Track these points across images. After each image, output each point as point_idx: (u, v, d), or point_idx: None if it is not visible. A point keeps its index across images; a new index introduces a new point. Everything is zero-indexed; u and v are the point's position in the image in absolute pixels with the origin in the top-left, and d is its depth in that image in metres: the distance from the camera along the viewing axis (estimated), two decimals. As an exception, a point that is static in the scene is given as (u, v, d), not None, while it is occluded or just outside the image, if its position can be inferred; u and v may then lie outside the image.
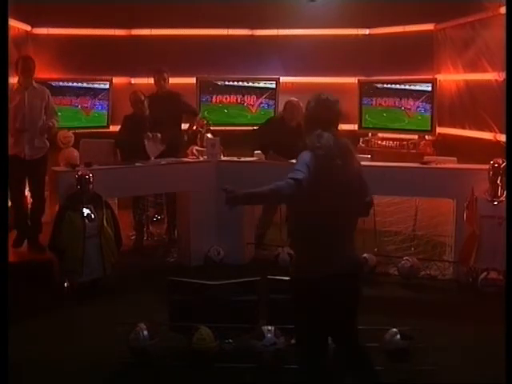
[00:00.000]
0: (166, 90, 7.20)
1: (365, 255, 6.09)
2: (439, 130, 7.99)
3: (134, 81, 8.62)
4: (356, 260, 3.43)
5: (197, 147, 6.93)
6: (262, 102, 8.70)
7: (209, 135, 7.16)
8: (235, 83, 8.67)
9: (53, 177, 6.14)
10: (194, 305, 4.43)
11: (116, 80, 8.47)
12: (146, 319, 4.41)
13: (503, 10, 6.38)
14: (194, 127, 7.33)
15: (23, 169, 6.06)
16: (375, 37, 8.67)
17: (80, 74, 8.27)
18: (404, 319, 4.64)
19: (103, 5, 7.89)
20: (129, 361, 4.27)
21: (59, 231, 5.60)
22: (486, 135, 7.12)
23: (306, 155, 3.17)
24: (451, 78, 7.96)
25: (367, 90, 8.49)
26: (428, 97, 7.95)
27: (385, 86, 8.36)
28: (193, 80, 8.47)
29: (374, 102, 8.44)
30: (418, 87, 8.05)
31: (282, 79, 8.62)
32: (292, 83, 8.57)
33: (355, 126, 8.51)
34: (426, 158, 6.94)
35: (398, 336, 4.19)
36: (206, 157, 6.64)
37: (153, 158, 6.59)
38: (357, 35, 8.72)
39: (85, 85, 8.30)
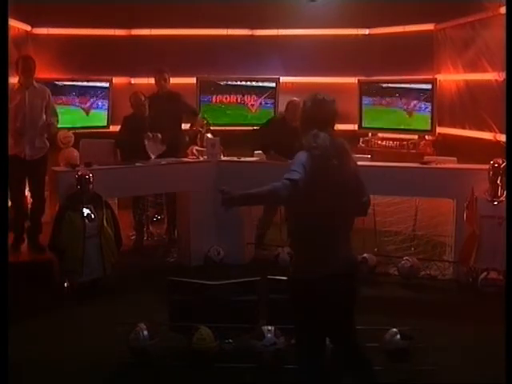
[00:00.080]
0: (167, 90, 7.20)
1: (365, 255, 6.10)
2: (439, 129, 8.00)
3: (133, 81, 8.63)
4: (353, 260, 3.43)
5: (197, 147, 6.93)
6: (262, 102, 8.70)
7: (209, 135, 7.15)
8: (235, 83, 8.68)
9: (53, 177, 6.14)
10: (194, 305, 4.43)
11: (116, 80, 8.47)
12: (145, 319, 4.41)
13: (503, 10, 6.38)
14: (194, 127, 7.33)
15: (23, 169, 6.06)
16: (375, 37, 8.67)
17: (80, 74, 8.27)
18: (404, 319, 4.64)
19: (103, 5, 7.89)
20: (129, 361, 4.27)
21: (59, 231, 5.60)
22: (486, 135, 7.12)
23: (302, 155, 3.17)
24: (451, 77, 7.96)
25: (367, 90, 8.49)
26: (428, 97, 7.95)
27: (385, 85, 8.36)
28: (193, 80, 8.47)
29: (373, 102, 8.45)
30: (417, 87, 8.06)
31: (282, 79, 8.63)
32: (292, 83, 8.58)
33: (355, 126, 8.52)
34: (426, 158, 6.94)
35: (398, 336, 4.19)
36: (205, 157, 6.65)
37: (153, 158, 6.59)
38: (357, 35, 8.72)
39: (85, 85, 8.30)
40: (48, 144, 6.30)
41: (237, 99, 8.70)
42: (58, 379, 4.12)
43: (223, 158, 6.71)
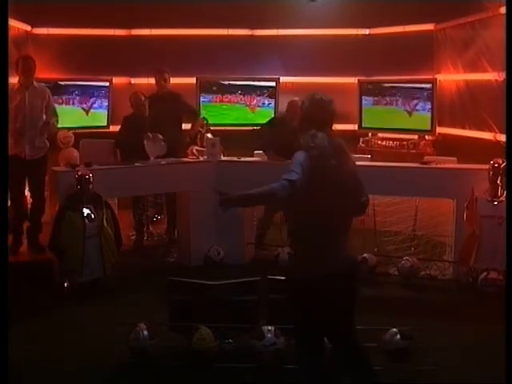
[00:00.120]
0: (167, 90, 7.19)
1: (365, 255, 6.10)
2: (439, 129, 8.00)
3: (133, 81, 8.63)
4: (351, 260, 3.43)
5: (197, 147, 6.93)
6: (262, 102, 8.70)
7: (209, 135, 7.16)
8: (235, 83, 8.67)
9: (53, 177, 6.14)
10: (194, 305, 4.43)
11: (116, 80, 8.47)
12: (146, 319, 4.41)
13: (503, 10, 6.38)
14: (195, 128, 7.32)
15: (23, 169, 6.06)
16: (375, 37, 8.67)
17: (80, 74, 8.27)
18: (404, 319, 4.64)
19: (103, 5, 7.89)
20: (129, 361, 4.27)
21: (59, 231, 5.60)
22: (486, 135, 7.12)
23: (300, 156, 3.18)
24: (451, 77, 7.96)
25: (367, 90, 8.49)
26: (428, 97, 7.95)
27: (385, 85, 8.36)
28: (193, 80, 8.47)
29: (373, 102, 8.45)
30: (417, 87, 8.06)
31: (282, 79, 8.63)
32: (292, 83, 8.57)
33: (355, 126, 8.52)
34: (426, 158, 6.94)
35: (398, 336, 4.19)
36: (206, 157, 6.65)
37: (152, 158, 6.58)
38: (357, 35, 8.72)
39: (85, 85, 8.30)
40: (48, 144, 6.30)
41: (237, 99, 8.70)
42: (58, 379, 4.12)
43: (223, 158, 6.71)
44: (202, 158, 6.68)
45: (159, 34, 8.56)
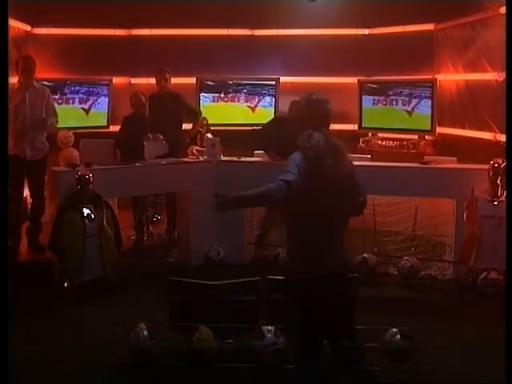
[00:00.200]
0: (168, 90, 7.19)
1: (365, 255, 6.11)
2: (439, 129, 7.99)
3: (133, 81, 8.63)
4: (348, 260, 3.42)
5: (197, 147, 6.93)
6: (262, 102, 8.70)
7: (209, 135, 7.16)
8: (235, 83, 8.67)
9: (53, 177, 6.14)
10: (194, 305, 4.43)
11: (116, 80, 8.47)
12: (146, 319, 4.41)
13: (503, 10, 6.38)
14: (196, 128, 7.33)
15: (23, 169, 6.06)
16: (375, 37, 8.66)
17: (80, 74, 8.27)
18: (404, 319, 4.64)
19: (103, 5, 7.88)
20: (129, 361, 4.27)
21: (59, 231, 5.60)
22: (486, 135, 7.12)
23: (296, 156, 3.18)
24: (451, 77, 7.96)
25: (367, 90, 8.48)
26: (428, 97, 7.95)
27: (385, 86, 8.36)
28: (193, 80, 8.47)
29: (373, 102, 8.44)
30: (417, 87, 8.05)
31: (282, 79, 8.62)
32: (292, 83, 8.57)
33: (355, 126, 8.52)
34: (426, 158, 6.94)
35: (398, 336, 4.19)
36: (206, 157, 6.65)
37: (151, 159, 6.57)
38: (357, 35, 8.72)
39: (85, 85, 8.30)
40: (48, 145, 6.31)
41: (237, 99, 8.70)
42: (58, 379, 4.12)
43: (223, 158, 6.71)
44: (202, 158, 6.68)
45: (159, 33, 8.56)
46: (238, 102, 8.71)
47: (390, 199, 6.68)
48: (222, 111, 8.63)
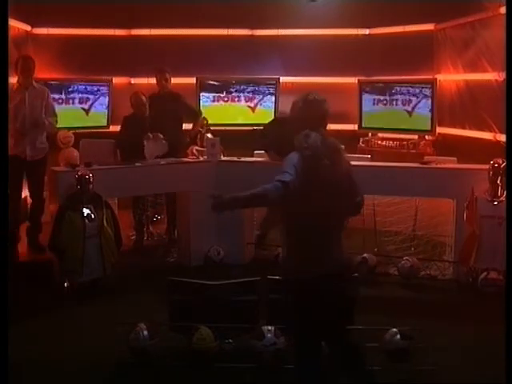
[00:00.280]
0: (168, 90, 7.20)
1: (365, 255, 6.10)
2: (439, 129, 7.99)
3: (133, 81, 8.63)
4: (346, 260, 3.42)
5: (197, 147, 6.93)
6: (262, 102, 8.70)
7: (209, 135, 7.15)
8: (235, 83, 8.67)
9: (53, 177, 6.14)
10: (194, 305, 4.43)
11: (116, 80, 8.47)
12: (146, 319, 4.41)
13: (503, 10, 6.38)
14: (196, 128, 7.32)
15: (23, 169, 6.06)
16: (375, 37, 8.67)
17: (80, 74, 8.27)
18: (404, 319, 4.63)
19: (103, 5, 7.88)
20: (129, 361, 4.27)
21: (59, 231, 5.60)
22: (486, 135, 7.12)
23: (293, 156, 3.18)
24: (451, 77, 7.96)
25: (367, 90, 8.49)
26: (428, 97, 7.95)
27: (385, 86, 8.35)
28: (193, 80, 8.47)
29: (373, 102, 8.44)
30: (417, 87, 8.06)
31: (282, 79, 8.62)
32: (292, 83, 8.57)
33: (355, 126, 8.52)
34: (426, 158, 6.94)
35: (398, 336, 4.19)
36: (206, 157, 6.65)
37: (151, 158, 6.58)
38: (357, 35, 8.72)
39: (85, 85, 8.30)
40: (47, 145, 6.31)
41: (237, 99, 8.70)
42: (58, 379, 4.12)
43: (223, 158, 6.71)
44: (202, 158, 6.67)
45: (159, 33, 8.56)
46: (238, 102, 8.72)
47: (390, 199, 6.67)
48: (222, 111, 8.64)
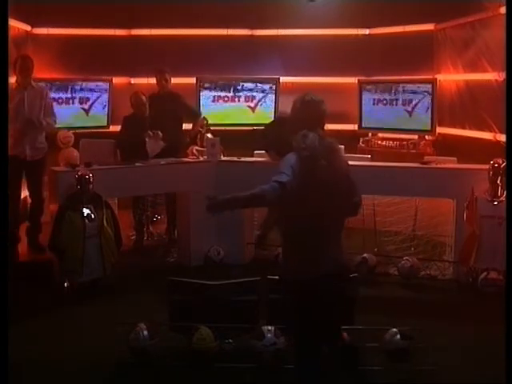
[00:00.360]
0: (168, 90, 7.20)
1: (365, 255, 6.10)
2: (439, 129, 7.99)
3: (133, 81, 8.63)
4: (344, 261, 3.42)
5: (197, 147, 6.93)
6: (261, 102, 8.70)
7: (209, 135, 7.15)
8: (235, 83, 8.67)
9: (53, 177, 6.13)
10: (194, 305, 4.43)
11: (116, 80, 8.47)
12: (146, 319, 4.41)
13: (503, 10, 6.38)
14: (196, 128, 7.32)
15: (23, 169, 6.06)
16: (375, 37, 8.67)
17: (80, 74, 8.27)
18: (404, 319, 4.64)
19: (103, 5, 7.89)
20: (129, 361, 4.27)
21: (59, 231, 5.59)
22: (486, 135, 7.12)
23: (291, 157, 3.18)
24: (451, 77, 7.96)
25: (367, 90, 8.49)
26: (428, 97, 7.95)
27: (385, 86, 8.35)
28: (193, 80, 8.48)
29: (374, 102, 8.44)
30: (417, 87, 8.06)
31: (282, 79, 8.62)
32: (292, 83, 8.56)
33: (355, 126, 8.52)
34: (426, 158, 6.94)
35: (398, 336, 4.19)
36: (206, 157, 6.65)
37: (152, 156, 6.58)
38: (357, 35, 8.72)
39: (85, 85, 8.30)
40: (47, 145, 6.31)
41: (237, 99, 8.70)
42: (58, 379, 4.12)
43: (223, 158, 6.71)
44: (202, 158, 6.67)
45: (159, 33, 8.56)
46: (238, 102, 8.71)
47: (390, 199, 6.67)
48: (222, 111, 8.64)
